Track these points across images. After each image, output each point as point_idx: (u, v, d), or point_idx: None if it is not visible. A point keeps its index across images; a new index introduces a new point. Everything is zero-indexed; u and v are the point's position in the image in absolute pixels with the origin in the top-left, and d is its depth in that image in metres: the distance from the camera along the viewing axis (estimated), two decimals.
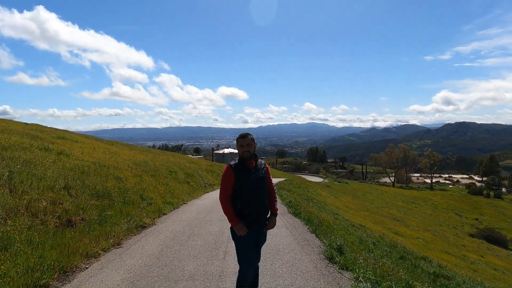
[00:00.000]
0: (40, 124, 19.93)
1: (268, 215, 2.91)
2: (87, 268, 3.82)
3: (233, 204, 2.77)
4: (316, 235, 5.23)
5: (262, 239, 2.94)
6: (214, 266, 3.89)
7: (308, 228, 5.84)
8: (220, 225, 6.34)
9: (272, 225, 2.92)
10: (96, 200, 6.18)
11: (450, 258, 14.24)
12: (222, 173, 2.86)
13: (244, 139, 2.77)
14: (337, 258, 3.79)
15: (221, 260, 4.08)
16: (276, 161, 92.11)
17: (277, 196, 2.96)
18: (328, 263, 3.74)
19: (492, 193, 51.80)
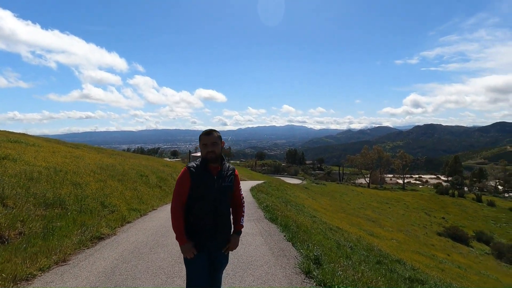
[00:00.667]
0: None
1: (231, 233, 2.43)
2: None
3: (186, 218, 2.29)
4: (293, 244, 4.81)
5: (221, 263, 2.40)
6: (174, 285, 3.37)
7: (285, 236, 5.42)
8: None
9: (234, 245, 2.42)
10: (43, 210, 5.43)
11: (421, 258, 14.52)
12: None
13: (209, 136, 2.29)
14: (314, 272, 3.37)
15: (184, 278, 3.56)
16: (256, 163, 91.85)
17: (244, 209, 2.52)
18: (304, 279, 3.32)
19: (456, 192, 54.37)
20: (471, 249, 25.43)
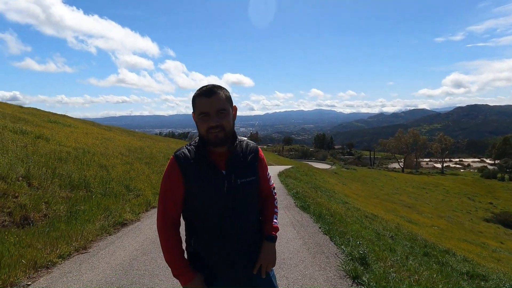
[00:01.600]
0: (40, 109, 19.13)
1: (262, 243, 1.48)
2: (28, 286, 2.89)
3: (187, 238, 1.45)
4: (331, 238, 4.18)
5: (259, 284, 1.45)
6: None
7: (320, 227, 4.79)
8: None
9: (268, 260, 1.44)
10: (69, 192, 5.27)
11: (470, 247, 13.27)
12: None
13: (211, 98, 1.30)
14: (363, 277, 2.73)
15: None
16: (283, 148, 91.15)
17: (277, 203, 1.56)
18: (351, 285, 2.70)
19: (506, 176, 50.09)
20: None
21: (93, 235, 4.22)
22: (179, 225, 1.40)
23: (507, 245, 17.47)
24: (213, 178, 1.33)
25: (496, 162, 68.55)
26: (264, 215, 1.52)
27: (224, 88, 1.34)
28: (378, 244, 5.37)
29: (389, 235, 7.53)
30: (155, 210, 6.26)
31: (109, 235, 4.46)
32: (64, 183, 5.50)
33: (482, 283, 5.43)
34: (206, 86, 1.33)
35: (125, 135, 17.56)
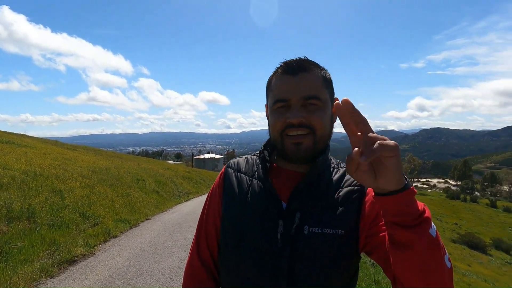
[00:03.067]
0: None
1: None
2: None
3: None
4: None
5: None
6: None
7: None
8: (182, 255, 4.76)
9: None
10: (4, 226, 4.43)
11: None
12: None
13: (296, 76, 0.72)
14: None
15: None
16: None
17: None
18: None
19: (468, 197, 52.76)
20: (490, 257, 24.02)
21: (27, 280, 3.46)
22: (214, 274, 0.86)
23: (474, 268, 17.87)
24: (262, 210, 0.75)
25: (458, 183, 72.53)
26: None
27: (322, 67, 0.77)
28: (362, 276, 4.99)
29: (370, 262, 7.22)
30: (115, 240, 5.54)
31: (51, 277, 3.70)
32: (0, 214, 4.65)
33: None
34: (293, 59, 0.76)
35: (91, 155, 16.36)
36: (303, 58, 0.75)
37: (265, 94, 0.82)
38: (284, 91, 0.73)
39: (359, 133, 0.52)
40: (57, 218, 5.31)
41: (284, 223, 0.72)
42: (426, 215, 0.54)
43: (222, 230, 0.82)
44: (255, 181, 0.80)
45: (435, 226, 0.55)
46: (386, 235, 0.59)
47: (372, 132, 0.51)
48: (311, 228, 0.71)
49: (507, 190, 69.74)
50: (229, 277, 0.78)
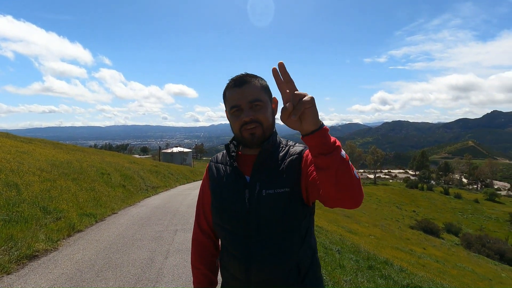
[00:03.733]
0: None
1: None
2: None
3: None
4: None
5: None
6: None
7: None
8: (153, 247, 4.69)
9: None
10: None
11: (401, 255, 14.33)
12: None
13: (241, 87, 1.04)
14: None
15: None
16: None
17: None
18: None
19: (425, 186, 56.81)
20: (442, 240, 26.23)
21: None
22: (212, 237, 1.23)
23: (428, 251, 19.46)
24: (233, 185, 1.08)
25: (417, 173, 77.74)
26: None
27: (259, 77, 1.09)
28: (328, 261, 5.25)
29: (335, 249, 7.58)
30: (80, 235, 5.32)
31: (8, 274, 3.49)
32: None
33: None
34: (238, 76, 1.08)
35: (49, 148, 15.33)
36: (244, 74, 1.07)
37: (223, 103, 1.13)
38: (236, 99, 1.04)
39: (288, 91, 0.78)
40: (13, 213, 4.98)
41: (249, 191, 1.04)
42: (337, 144, 0.80)
43: (212, 205, 1.16)
44: (228, 167, 1.14)
45: (344, 152, 0.81)
46: (314, 170, 0.89)
47: (297, 90, 0.78)
48: (267, 191, 1.02)
49: (458, 178, 76.17)
50: (220, 233, 1.13)
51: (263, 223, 1.00)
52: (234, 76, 1.08)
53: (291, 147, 1.11)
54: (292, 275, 1.01)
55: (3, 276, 3.40)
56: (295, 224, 1.02)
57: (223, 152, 1.21)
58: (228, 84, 1.08)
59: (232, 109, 1.05)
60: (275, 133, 1.14)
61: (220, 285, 1.18)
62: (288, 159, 1.06)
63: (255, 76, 1.08)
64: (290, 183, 1.01)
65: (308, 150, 1.02)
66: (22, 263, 3.82)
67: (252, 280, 1.01)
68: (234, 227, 1.05)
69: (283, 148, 1.11)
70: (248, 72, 1.09)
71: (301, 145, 1.11)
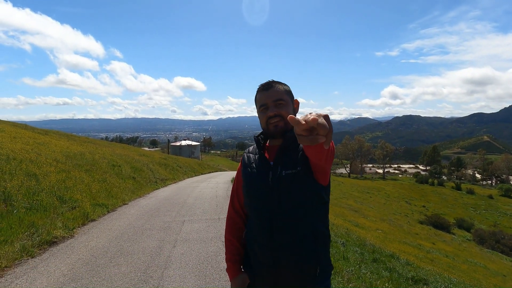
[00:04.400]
0: None
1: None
2: None
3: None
4: None
5: None
6: None
7: None
8: (161, 236, 4.92)
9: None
10: None
11: (409, 249, 14.33)
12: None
13: (268, 91, 1.33)
14: None
15: None
16: (236, 153, 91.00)
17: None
18: None
19: (436, 181, 56.00)
20: (453, 236, 26.00)
21: (9, 259, 3.52)
22: (242, 216, 1.50)
23: (437, 246, 19.34)
24: (260, 168, 1.33)
25: (427, 168, 76.54)
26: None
27: (283, 83, 1.39)
28: (332, 253, 5.39)
29: (340, 241, 7.70)
30: (93, 224, 5.60)
31: (32, 257, 3.77)
32: None
33: (425, 287, 5.76)
34: (265, 82, 1.38)
35: (63, 140, 15.81)
36: (271, 80, 1.38)
37: (255, 104, 1.41)
38: (263, 99, 1.33)
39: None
40: (34, 202, 5.28)
41: (272, 172, 1.29)
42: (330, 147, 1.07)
43: (243, 188, 1.43)
44: (256, 156, 1.40)
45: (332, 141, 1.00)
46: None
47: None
48: (286, 171, 1.26)
49: (471, 173, 74.69)
50: (249, 211, 1.40)
51: (283, 198, 1.26)
52: (263, 82, 1.39)
53: None
54: (306, 240, 1.26)
55: (28, 259, 3.68)
56: (309, 197, 1.26)
57: (254, 145, 1.48)
58: (258, 88, 1.39)
59: (261, 108, 1.35)
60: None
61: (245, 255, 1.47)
62: (301, 146, 1.31)
63: (280, 82, 1.38)
64: (301, 164, 1.25)
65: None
66: (43, 248, 4.10)
67: (275, 245, 1.27)
68: (261, 203, 1.30)
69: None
70: (273, 79, 1.40)
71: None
